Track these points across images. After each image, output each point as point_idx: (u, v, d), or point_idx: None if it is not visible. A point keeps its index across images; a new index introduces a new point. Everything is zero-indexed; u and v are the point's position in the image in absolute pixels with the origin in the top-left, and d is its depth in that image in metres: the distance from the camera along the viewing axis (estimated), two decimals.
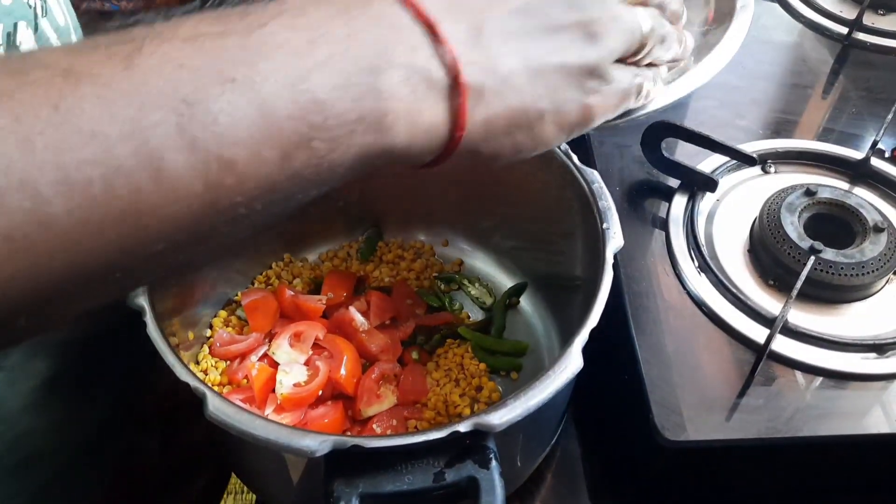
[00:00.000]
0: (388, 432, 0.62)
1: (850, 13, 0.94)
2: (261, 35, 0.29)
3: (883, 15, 0.96)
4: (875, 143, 0.73)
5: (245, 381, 0.63)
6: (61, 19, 0.47)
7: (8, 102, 0.24)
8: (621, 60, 0.41)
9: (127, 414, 0.63)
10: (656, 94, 0.46)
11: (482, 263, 0.77)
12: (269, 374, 0.63)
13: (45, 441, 0.54)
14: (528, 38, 0.35)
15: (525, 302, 0.74)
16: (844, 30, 0.93)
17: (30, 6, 0.43)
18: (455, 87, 0.33)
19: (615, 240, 0.56)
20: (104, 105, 0.25)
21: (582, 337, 0.50)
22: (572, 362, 0.48)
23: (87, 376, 0.57)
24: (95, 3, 0.85)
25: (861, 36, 0.93)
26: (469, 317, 0.73)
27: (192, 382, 0.46)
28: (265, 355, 0.65)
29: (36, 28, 0.43)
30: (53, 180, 0.24)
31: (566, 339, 0.50)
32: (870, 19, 0.94)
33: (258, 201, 0.29)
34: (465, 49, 0.33)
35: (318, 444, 0.43)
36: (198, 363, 0.65)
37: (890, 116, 0.73)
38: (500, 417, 0.45)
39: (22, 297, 0.25)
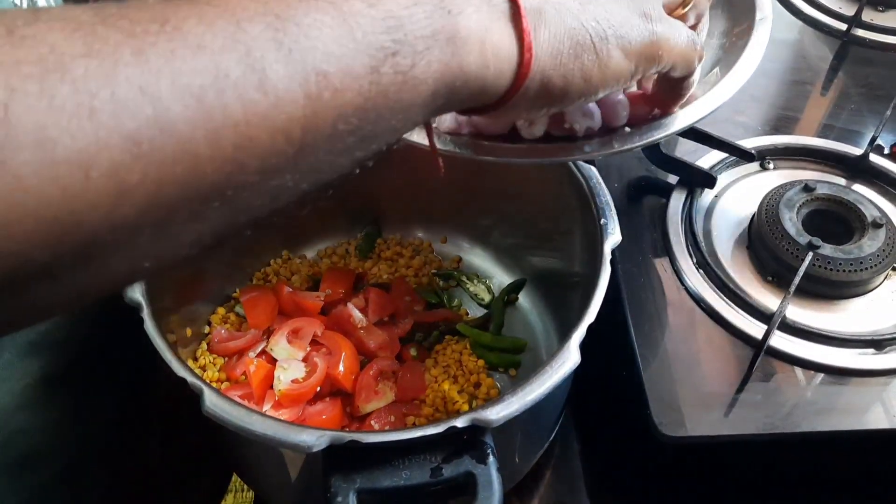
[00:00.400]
0: (386, 428, 0.62)
1: (849, 10, 0.94)
2: None
3: (882, 11, 0.96)
4: (874, 140, 0.73)
5: (243, 377, 0.63)
6: None
7: (119, 21, 0.26)
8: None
9: (128, 414, 0.63)
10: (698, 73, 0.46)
11: (481, 260, 0.77)
12: (268, 370, 0.63)
13: (42, 440, 0.54)
14: None
15: (524, 299, 0.74)
16: (843, 26, 0.92)
17: (15, 4, 0.43)
18: (516, 10, 0.34)
19: (613, 236, 0.56)
20: (205, 22, 0.27)
21: (579, 333, 0.50)
22: (570, 358, 0.48)
23: (84, 376, 0.57)
24: None
25: (860, 32, 0.92)
26: (468, 313, 0.73)
27: (189, 378, 0.46)
28: (263, 352, 0.65)
29: None
30: (170, 87, 0.25)
31: (565, 336, 0.50)
32: (869, 16, 0.93)
33: (353, 118, 0.30)
34: None
35: (315, 438, 0.44)
36: (196, 360, 0.65)
37: (888, 112, 0.73)
38: (497, 413, 0.45)
39: (147, 206, 0.26)
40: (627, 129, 0.48)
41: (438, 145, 0.47)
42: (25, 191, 0.23)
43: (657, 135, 0.47)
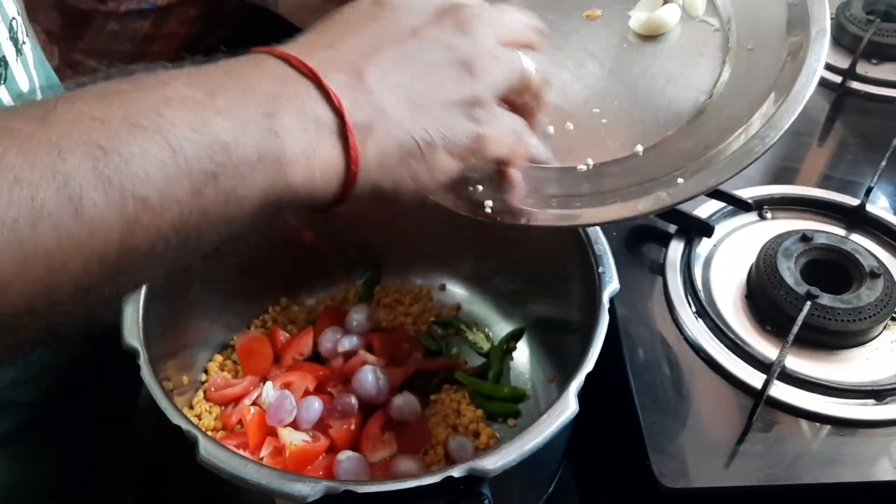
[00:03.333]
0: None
1: (843, 63, 0.95)
2: (164, 91, 0.32)
3: (876, 64, 0.97)
4: (870, 190, 0.73)
5: (240, 425, 0.63)
6: (25, 85, 0.47)
7: None
8: (509, 105, 0.44)
9: (101, 468, 0.62)
10: (527, 156, 0.46)
11: (480, 308, 0.77)
12: (263, 418, 0.62)
13: (5, 498, 0.53)
14: (409, 78, 0.39)
15: (523, 347, 0.74)
16: (839, 79, 0.94)
17: None
18: (343, 127, 0.36)
19: (611, 284, 0.57)
20: (25, 155, 0.28)
21: (577, 381, 0.50)
22: (568, 407, 0.48)
23: (46, 433, 0.56)
24: (133, 3, 0.87)
25: (855, 85, 0.94)
26: (466, 362, 0.73)
27: (184, 426, 0.46)
28: (258, 398, 0.64)
29: None
30: None
31: (564, 385, 0.50)
32: (863, 68, 0.95)
33: (173, 237, 0.32)
34: (349, 93, 0.37)
35: (310, 489, 0.43)
36: (192, 408, 0.65)
37: (884, 163, 0.74)
38: (495, 462, 0.45)
39: None
40: (681, 180, 0.47)
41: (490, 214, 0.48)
42: None
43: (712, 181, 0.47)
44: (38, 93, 0.48)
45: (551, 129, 0.51)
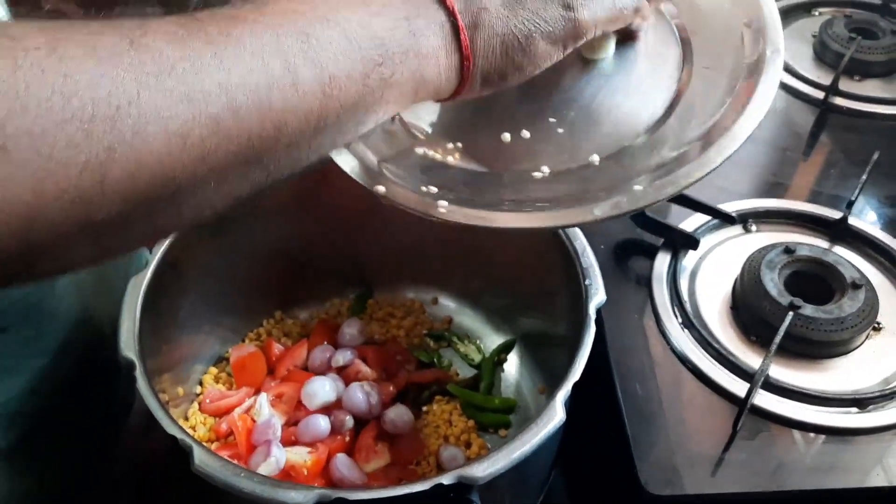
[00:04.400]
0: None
1: (826, 79, 0.97)
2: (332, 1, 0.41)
3: (859, 81, 0.99)
4: (851, 203, 0.75)
5: (231, 437, 0.64)
6: None
7: (199, 32, 0.35)
8: None
9: (92, 482, 0.62)
10: (648, 15, 0.52)
11: (471, 321, 0.78)
12: (253, 426, 0.63)
13: None
14: None
15: (513, 359, 0.75)
16: (822, 94, 0.96)
17: None
18: (457, 29, 0.43)
19: (597, 296, 0.58)
20: (255, 35, 0.36)
21: (564, 390, 0.51)
22: (555, 415, 0.49)
23: (39, 447, 0.56)
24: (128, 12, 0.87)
25: (838, 101, 0.95)
26: (458, 374, 0.74)
27: (179, 435, 0.47)
28: (250, 408, 0.65)
29: None
30: (237, 83, 0.35)
31: (553, 397, 0.51)
32: (846, 85, 0.97)
33: (351, 109, 0.40)
34: (459, 1, 0.43)
35: (303, 496, 0.44)
36: (186, 419, 0.66)
37: (864, 177, 0.75)
38: (484, 470, 0.46)
39: (215, 165, 0.35)
40: (638, 187, 0.49)
41: (444, 214, 0.49)
42: (150, 153, 0.33)
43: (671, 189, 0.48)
44: None
45: (507, 137, 0.53)
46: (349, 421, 0.65)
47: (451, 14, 0.43)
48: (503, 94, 0.49)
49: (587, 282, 0.59)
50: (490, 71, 0.45)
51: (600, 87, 0.54)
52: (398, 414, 0.66)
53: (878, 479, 0.57)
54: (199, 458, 0.46)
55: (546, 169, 0.51)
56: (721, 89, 0.52)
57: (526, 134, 0.53)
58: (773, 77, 0.50)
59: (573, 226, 0.61)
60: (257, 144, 0.36)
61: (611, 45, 0.53)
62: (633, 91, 0.54)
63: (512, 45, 0.45)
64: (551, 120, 0.53)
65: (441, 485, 0.45)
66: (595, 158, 0.51)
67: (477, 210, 0.49)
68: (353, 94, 0.39)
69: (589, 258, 0.60)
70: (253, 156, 0.37)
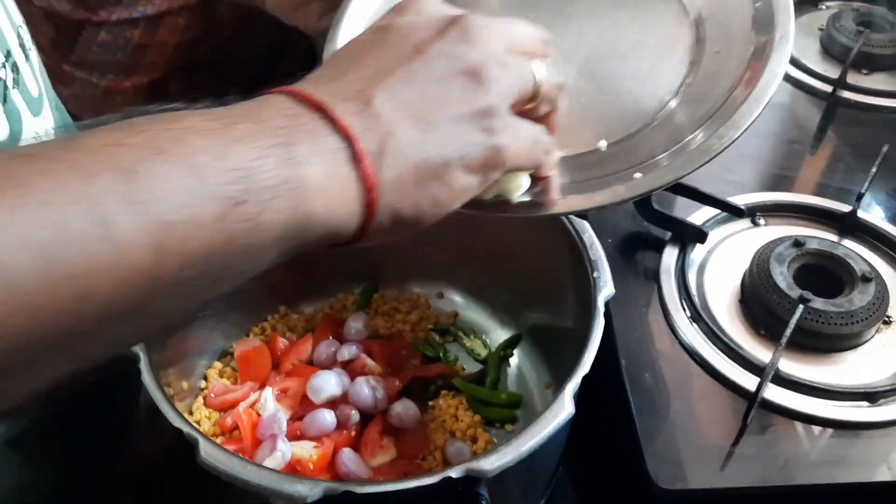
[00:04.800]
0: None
1: (834, 72, 0.97)
2: (184, 122, 0.33)
3: (866, 74, 0.99)
4: (860, 196, 0.74)
5: (236, 431, 0.63)
6: (34, 90, 0.48)
7: None
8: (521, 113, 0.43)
9: (98, 476, 0.62)
10: (553, 162, 0.47)
11: (477, 315, 0.78)
12: (258, 420, 0.63)
13: None
14: (417, 96, 0.38)
15: (520, 354, 0.74)
16: (829, 88, 0.95)
17: (0, 78, 0.44)
18: (356, 155, 0.36)
19: (606, 289, 0.57)
20: (53, 178, 0.29)
21: (573, 383, 0.50)
22: (564, 409, 0.49)
23: (42, 441, 0.55)
24: (124, 12, 0.87)
25: (846, 94, 0.95)
26: (464, 368, 0.73)
27: (185, 428, 0.47)
28: (255, 402, 0.65)
29: (5, 100, 0.43)
30: (12, 241, 0.27)
31: (560, 390, 0.50)
32: (853, 78, 0.96)
33: (201, 264, 0.32)
34: (358, 121, 0.37)
35: (309, 489, 0.44)
36: (191, 413, 0.65)
37: (874, 170, 0.75)
38: (492, 463, 0.45)
39: None
40: (637, 174, 0.48)
41: None
42: None
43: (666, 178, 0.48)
44: (45, 98, 0.49)
45: None
46: (355, 415, 0.65)
47: (346, 138, 0.36)
48: None
49: (595, 274, 0.58)
50: (402, 206, 0.38)
51: (612, 72, 0.54)
52: (404, 408, 0.65)
53: (889, 474, 0.56)
54: (205, 450, 0.45)
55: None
56: (729, 74, 0.51)
57: None
58: (779, 62, 0.50)
59: (576, 213, 0.60)
60: (48, 323, 0.28)
61: (525, 184, 0.49)
62: (644, 76, 0.54)
63: (427, 174, 0.38)
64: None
65: (450, 478, 0.44)
66: (602, 144, 0.51)
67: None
68: (202, 243, 0.31)
69: (597, 251, 0.60)
70: (44, 338, 0.28)
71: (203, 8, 0.90)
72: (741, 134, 0.48)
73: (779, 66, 0.50)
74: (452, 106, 0.39)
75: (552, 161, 0.47)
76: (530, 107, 0.45)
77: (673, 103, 0.52)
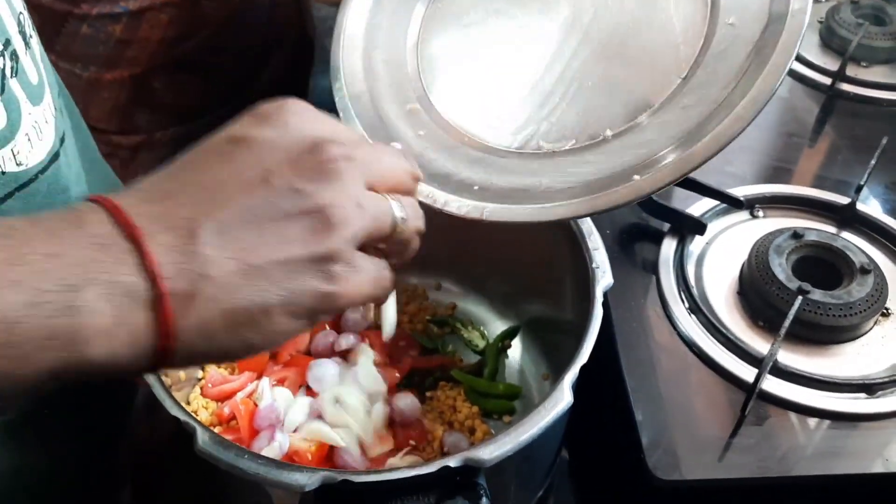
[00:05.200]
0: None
1: (833, 65, 0.96)
2: None
3: (866, 67, 0.98)
4: (860, 188, 0.74)
5: (233, 421, 0.63)
6: (34, 78, 0.47)
7: None
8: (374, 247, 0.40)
9: (97, 464, 0.62)
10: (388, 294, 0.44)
11: (475, 307, 0.78)
12: (255, 410, 0.63)
13: None
14: (251, 235, 0.35)
15: (518, 345, 0.74)
16: (829, 81, 0.95)
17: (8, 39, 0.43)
18: (159, 298, 0.33)
19: (605, 279, 0.57)
20: None
21: (572, 373, 0.50)
22: (563, 399, 0.49)
23: (42, 428, 0.55)
24: (105, 7, 0.86)
25: (845, 87, 0.95)
26: (462, 360, 0.73)
27: (182, 417, 0.46)
28: (252, 393, 0.65)
29: (3, 90, 0.42)
30: None
31: (558, 381, 0.50)
32: (853, 71, 0.96)
33: None
34: (173, 257, 0.33)
35: (307, 478, 0.43)
36: (188, 403, 0.65)
37: (873, 162, 0.75)
38: (491, 453, 0.45)
39: None
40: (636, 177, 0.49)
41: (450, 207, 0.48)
42: None
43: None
44: (46, 85, 0.48)
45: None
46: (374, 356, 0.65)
47: (151, 278, 0.32)
48: None
49: (594, 265, 0.58)
50: (207, 350, 0.35)
51: (621, 53, 0.54)
52: (406, 403, 0.65)
53: (886, 465, 0.56)
54: (203, 439, 0.45)
55: (571, 142, 0.51)
56: (743, 49, 0.51)
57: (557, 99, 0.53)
58: (793, 37, 0.50)
59: (577, 218, 0.59)
60: None
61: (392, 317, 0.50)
62: (649, 60, 0.54)
63: (240, 321, 0.35)
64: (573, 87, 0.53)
65: (448, 467, 0.44)
66: (608, 133, 0.51)
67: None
68: None
69: (596, 241, 0.59)
70: None
71: (187, 4, 0.89)
72: (759, 110, 0.48)
73: (794, 41, 0.50)
74: (289, 248, 0.35)
75: (388, 294, 0.43)
76: (381, 246, 0.42)
77: (680, 87, 0.52)
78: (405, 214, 0.41)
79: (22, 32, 0.46)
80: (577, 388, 0.51)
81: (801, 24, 0.49)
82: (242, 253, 0.34)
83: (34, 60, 0.48)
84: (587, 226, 0.61)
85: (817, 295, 0.63)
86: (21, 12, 0.47)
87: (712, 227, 0.74)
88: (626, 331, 0.65)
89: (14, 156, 0.43)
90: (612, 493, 0.66)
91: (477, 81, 0.60)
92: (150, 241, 0.33)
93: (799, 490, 0.57)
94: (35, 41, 0.49)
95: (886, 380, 0.61)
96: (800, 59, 0.99)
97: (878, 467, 0.56)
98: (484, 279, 0.77)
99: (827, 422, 0.59)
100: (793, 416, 0.59)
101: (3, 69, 0.43)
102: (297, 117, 0.38)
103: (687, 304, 0.67)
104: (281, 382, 0.66)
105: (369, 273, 0.39)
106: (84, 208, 0.34)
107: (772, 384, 0.60)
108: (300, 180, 0.36)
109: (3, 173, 0.43)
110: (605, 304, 0.56)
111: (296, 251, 0.35)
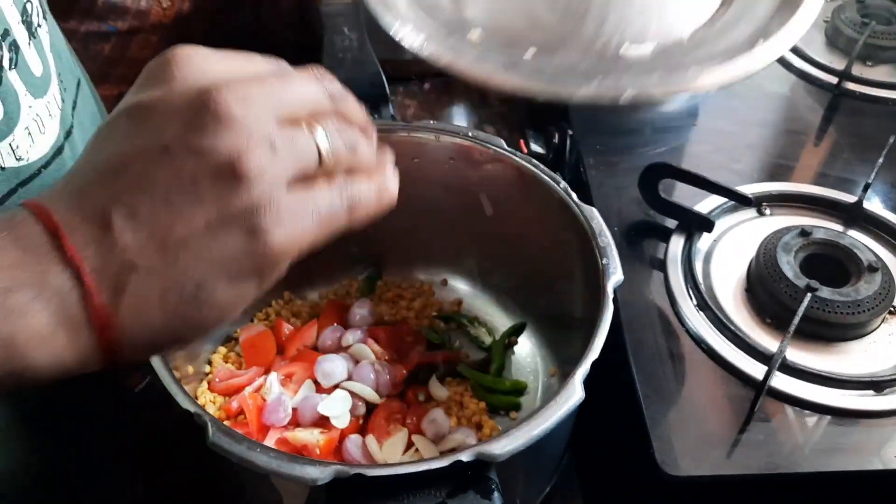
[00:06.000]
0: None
1: (839, 64, 0.96)
2: None
3: (871, 66, 0.98)
4: (867, 186, 0.74)
5: (241, 416, 0.63)
6: (38, 69, 0.46)
7: None
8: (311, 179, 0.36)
9: (108, 457, 0.62)
10: (390, 195, 0.41)
11: (481, 303, 0.78)
12: (263, 405, 0.63)
13: (9, 483, 0.51)
14: (162, 212, 0.32)
15: (524, 341, 0.74)
16: (834, 80, 0.95)
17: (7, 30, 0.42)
18: (87, 294, 0.32)
19: (615, 275, 0.57)
20: None
21: (584, 368, 0.50)
22: (574, 393, 0.49)
23: (54, 420, 0.55)
24: (93, 25, 0.86)
25: (851, 86, 0.95)
26: (468, 356, 0.73)
27: (194, 410, 0.46)
28: (260, 387, 0.65)
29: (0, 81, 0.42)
30: None
31: (565, 379, 0.50)
32: (859, 70, 0.96)
33: None
34: (94, 249, 0.32)
35: (319, 472, 0.43)
36: (196, 398, 0.65)
37: (881, 160, 0.75)
38: (503, 447, 0.45)
39: None
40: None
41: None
42: None
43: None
44: (53, 77, 0.48)
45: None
46: (361, 406, 0.65)
47: (77, 276, 0.31)
48: None
49: (605, 261, 0.58)
50: (154, 337, 0.34)
51: None
52: (434, 418, 0.63)
53: (893, 462, 0.57)
54: (215, 433, 0.45)
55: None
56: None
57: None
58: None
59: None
60: None
61: None
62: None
63: (176, 300, 0.33)
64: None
65: (460, 461, 0.44)
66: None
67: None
68: None
69: (606, 237, 0.59)
70: None
71: (178, 26, 0.88)
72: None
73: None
74: (203, 214, 0.33)
75: (379, 205, 0.40)
76: (320, 178, 0.37)
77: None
78: (331, 140, 0.36)
79: (27, 22, 0.45)
80: (586, 382, 0.51)
81: None
82: (158, 231, 0.32)
83: (39, 52, 0.47)
84: (597, 222, 0.61)
85: (825, 292, 0.64)
86: (28, 1, 0.46)
87: (720, 225, 0.74)
88: (635, 327, 0.65)
89: (13, 150, 0.43)
90: (619, 489, 0.66)
91: None
92: (70, 237, 0.32)
93: (807, 486, 0.57)
94: (44, 31, 0.48)
95: (894, 377, 0.61)
96: (806, 57, 0.99)
97: (886, 464, 0.56)
98: (491, 274, 0.77)
99: (835, 418, 0.59)
100: (801, 412, 0.59)
101: (1, 61, 0.42)
102: (183, 69, 0.35)
103: (695, 301, 0.67)
104: (289, 377, 0.66)
105: (306, 212, 0.35)
106: (15, 212, 0.33)
107: (780, 381, 0.60)
108: (197, 138, 0.33)
109: (3, 168, 0.42)
110: (615, 301, 0.56)
111: (211, 215, 0.33)
